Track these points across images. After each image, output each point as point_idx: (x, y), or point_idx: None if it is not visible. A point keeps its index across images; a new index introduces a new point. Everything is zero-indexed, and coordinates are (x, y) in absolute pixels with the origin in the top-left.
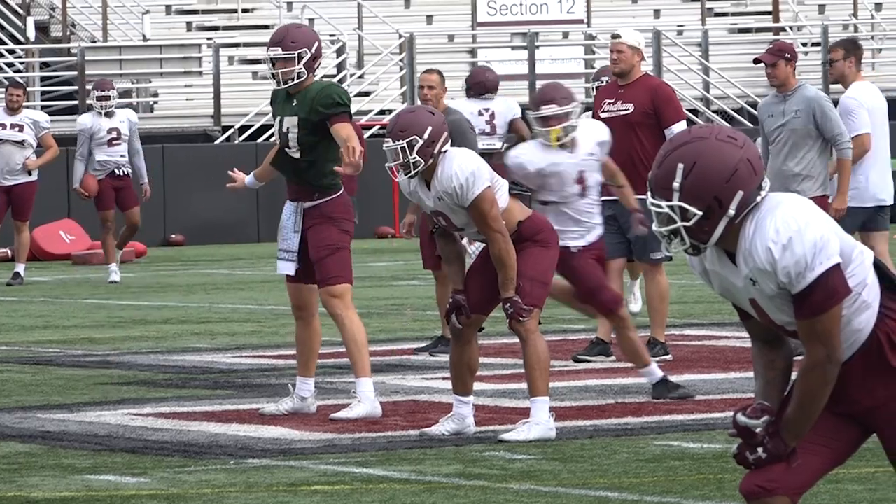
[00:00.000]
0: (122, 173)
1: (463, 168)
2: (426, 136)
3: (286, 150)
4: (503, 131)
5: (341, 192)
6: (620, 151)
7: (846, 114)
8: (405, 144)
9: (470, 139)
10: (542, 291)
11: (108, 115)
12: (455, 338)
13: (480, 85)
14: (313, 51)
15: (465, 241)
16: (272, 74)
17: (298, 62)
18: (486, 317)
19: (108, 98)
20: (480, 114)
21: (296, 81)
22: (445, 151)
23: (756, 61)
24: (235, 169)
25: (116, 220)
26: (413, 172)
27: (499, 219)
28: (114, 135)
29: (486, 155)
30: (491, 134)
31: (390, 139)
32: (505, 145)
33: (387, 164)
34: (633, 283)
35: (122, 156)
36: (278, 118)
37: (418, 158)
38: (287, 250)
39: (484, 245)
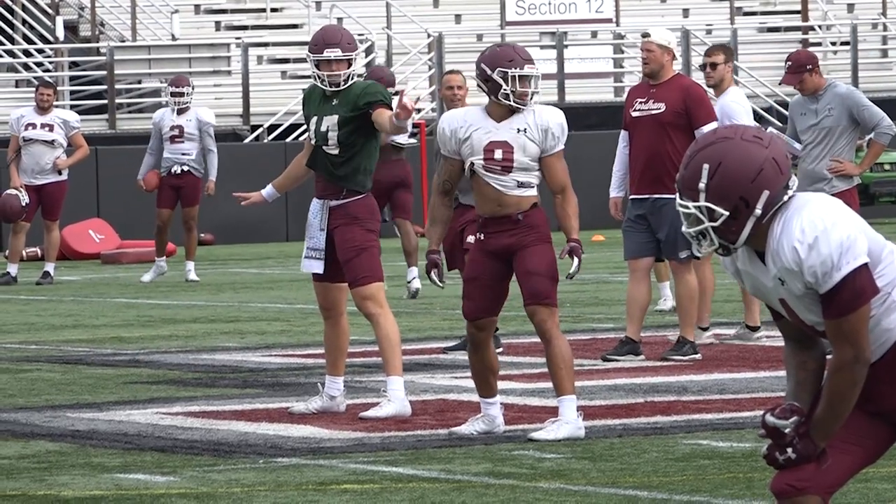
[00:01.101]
0: (180, 171)
1: (559, 115)
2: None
3: (323, 147)
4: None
5: (367, 193)
6: (651, 151)
7: (728, 117)
8: (538, 74)
9: None
10: (555, 290)
11: (181, 111)
12: (472, 344)
13: (382, 82)
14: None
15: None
16: (318, 76)
17: (352, 64)
18: (496, 318)
19: (182, 94)
20: None
21: (348, 84)
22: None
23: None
24: (238, 193)
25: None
26: (531, 102)
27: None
28: (176, 132)
29: (397, 149)
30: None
31: (531, 64)
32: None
33: (523, 90)
34: (664, 284)
35: (183, 153)
36: (315, 118)
37: (538, 90)
38: (314, 248)
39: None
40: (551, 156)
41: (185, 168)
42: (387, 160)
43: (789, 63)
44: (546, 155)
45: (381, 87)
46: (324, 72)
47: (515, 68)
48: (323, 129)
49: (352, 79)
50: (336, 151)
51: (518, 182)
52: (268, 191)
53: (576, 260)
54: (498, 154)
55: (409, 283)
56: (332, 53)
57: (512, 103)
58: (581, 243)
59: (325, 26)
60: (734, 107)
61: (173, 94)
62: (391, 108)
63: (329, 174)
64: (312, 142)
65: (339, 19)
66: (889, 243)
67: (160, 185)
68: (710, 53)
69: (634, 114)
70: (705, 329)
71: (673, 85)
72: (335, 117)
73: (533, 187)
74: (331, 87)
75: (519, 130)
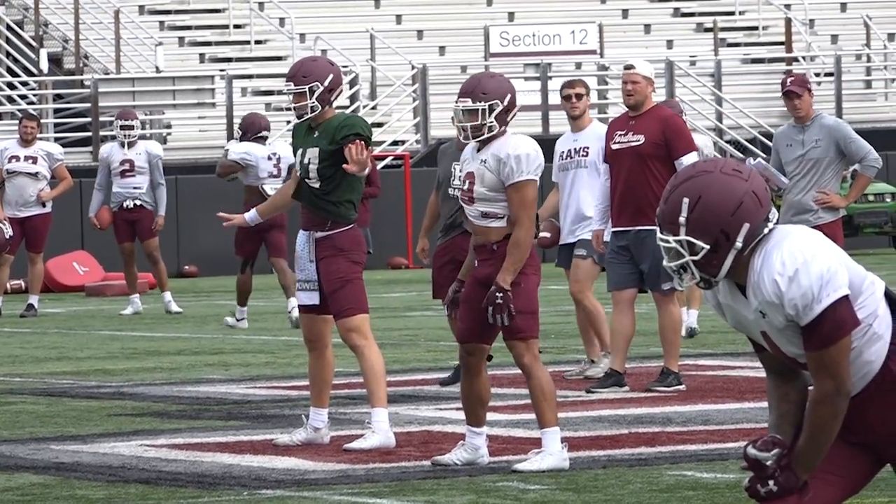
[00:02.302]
0: (133, 205)
1: (527, 145)
2: (506, 101)
3: (306, 180)
4: (285, 174)
5: (352, 225)
6: (632, 183)
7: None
8: (486, 107)
9: None
10: (534, 322)
11: (130, 145)
12: (464, 370)
13: (255, 126)
14: (327, 83)
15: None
16: (292, 108)
17: (311, 96)
18: (489, 346)
19: (131, 128)
20: (269, 158)
21: (310, 115)
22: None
23: (786, 93)
24: (222, 213)
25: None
26: (485, 136)
27: (535, 209)
28: (126, 166)
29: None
30: (277, 177)
31: (470, 100)
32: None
33: (457, 123)
34: (684, 309)
35: (135, 188)
36: (300, 150)
37: (494, 123)
38: (306, 280)
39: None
40: (508, 186)
41: (138, 202)
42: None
43: (793, 78)
44: (506, 185)
45: (358, 121)
46: (293, 104)
47: (455, 103)
48: (305, 161)
49: (316, 110)
50: (317, 185)
51: (481, 212)
52: (250, 215)
53: (489, 310)
54: (466, 184)
55: (289, 312)
56: (286, 87)
57: (462, 138)
58: (504, 289)
59: (300, 59)
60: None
61: (122, 128)
62: (367, 142)
63: (313, 206)
64: (298, 174)
65: (324, 51)
66: (870, 275)
67: (115, 220)
68: (574, 84)
69: (614, 146)
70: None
71: (652, 116)
72: (316, 150)
73: (501, 218)
74: (299, 118)
75: (482, 161)
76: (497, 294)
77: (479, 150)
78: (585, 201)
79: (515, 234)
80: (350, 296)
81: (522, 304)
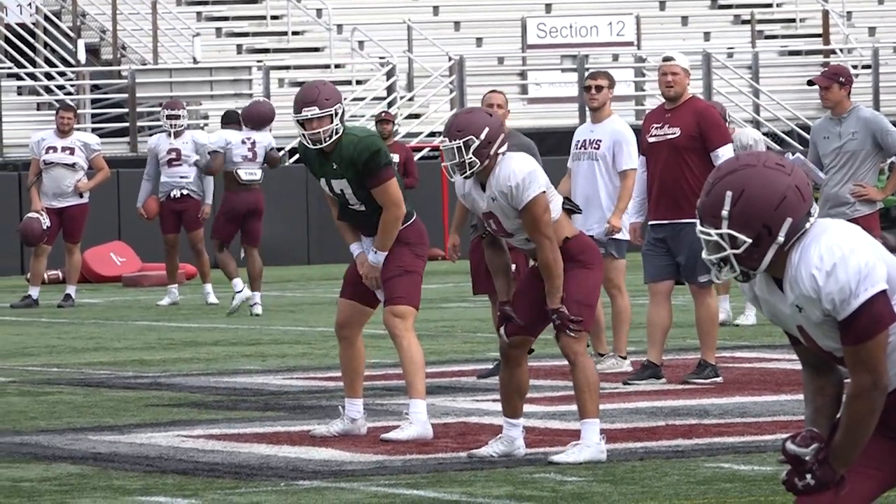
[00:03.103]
0: (180, 195)
1: (521, 169)
2: (483, 136)
3: (349, 207)
4: (261, 159)
5: (415, 218)
6: (668, 175)
7: (627, 143)
8: (461, 144)
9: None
10: (589, 314)
11: (177, 135)
12: (505, 360)
13: (261, 117)
14: (342, 106)
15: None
16: (302, 135)
17: (335, 118)
18: (534, 339)
19: (177, 118)
20: (243, 142)
21: (332, 139)
22: (502, 153)
23: (810, 83)
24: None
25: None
26: (469, 173)
27: (550, 225)
28: (173, 155)
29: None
30: (252, 160)
31: (447, 139)
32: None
33: (442, 164)
34: (722, 296)
35: (182, 177)
36: (323, 180)
37: (474, 159)
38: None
39: (530, 265)
40: (521, 210)
41: (185, 192)
42: (241, 189)
43: (826, 69)
44: (523, 209)
45: (367, 144)
46: (306, 131)
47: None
48: (338, 191)
49: (336, 134)
50: (363, 208)
51: (524, 238)
52: (374, 257)
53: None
54: (492, 223)
55: (251, 306)
56: (309, 112)
57: (450, 177)
58: (561, 312)
59: (305, 84)
60: (629, 135)
61: (169, 118)
62: (388, 168)
63: (368, 222)
64: (331, 198)
65: (360, 42)
66: None
67: (161, 210)
68: (598, 77)
69: (651, 139)
70: (624, 358)
71: (687, 108)
72: (344, 181)
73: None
74: (314, 144)
75: (493, 200)
76: (553, 317)
77: (482, 187)
78: (589, 193)
79: (540, 258)
80: (406, 286)
81: (580, 294)
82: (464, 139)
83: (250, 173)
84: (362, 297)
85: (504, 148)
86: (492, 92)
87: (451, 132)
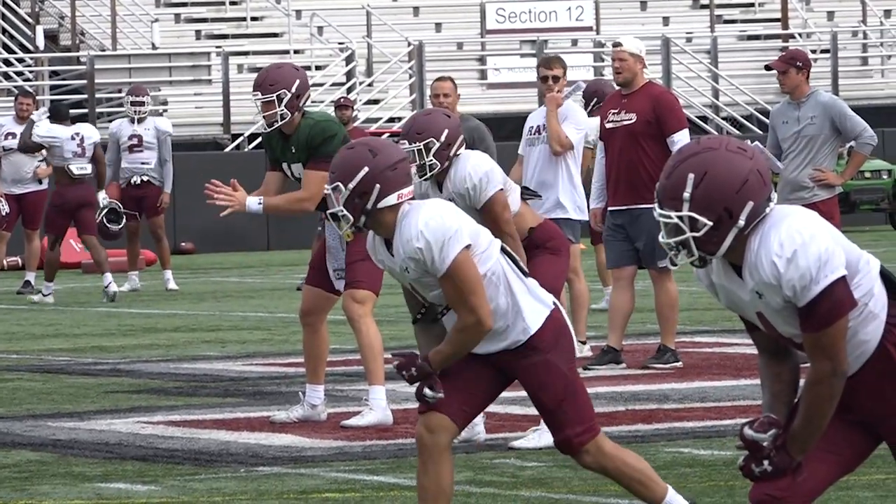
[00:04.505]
0: (140, 181)
1: (477, 169)
2: (443, 138)
3: None
4: (90, 154)
5: None
6: (625, 161)
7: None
8: (422, 147)
9: (489, 145)
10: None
11: (140, 121)
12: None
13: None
14: (294, 90)
15: None
16: (263, 118)
17: (279, 104)
18: None
19: (141, 104)
20: (73, 138)
21: (280, 123)
22: (459, 154)
23: (767, 67)
24: (214, 194)
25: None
26: (428, 175)
27: (511, 222)
28: (135, 142)
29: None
30: (82, 156)
31: (406, 141)
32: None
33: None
34: (606, 288)
35: (143, 163)
36: (285, 164)
37: (434, 161)
38: (340, 269)
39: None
40: (480, 209)
41: (145, 178)
42: (72, 183)
43: (784, 53)
44: (482, 208)
45: (323, 125)
46: (261, 113)
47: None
48: (297, 175)
49: (286, 117)
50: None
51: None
52: (254, 206)
53: None
54: None
55: (105, 287)
56: (254, 97)
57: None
58: None
59: (265, 67)
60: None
61: (133, 104)
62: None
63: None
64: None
65: (320, 28)
66: (864, 253)
67: (121, 196)
68: (553, 65)
69: (608, 125)
70: (584, 342)
71: (643, 94)
72: (300, 166)
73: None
74: (269, 126)
75: (450, 200)
76: None
77: (439, 187)
78: (544, 178)
79: (520, 252)
80: (367, 272)
81: (544, 279)
82: (424, 142)
83: (81, 168)
84: (327, 284)
85: (462, 149)
86: (439, 80)
87: (411, 135)
